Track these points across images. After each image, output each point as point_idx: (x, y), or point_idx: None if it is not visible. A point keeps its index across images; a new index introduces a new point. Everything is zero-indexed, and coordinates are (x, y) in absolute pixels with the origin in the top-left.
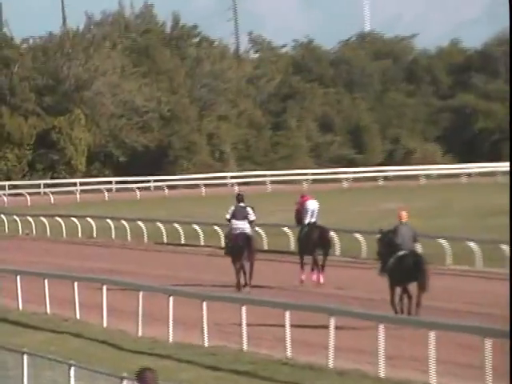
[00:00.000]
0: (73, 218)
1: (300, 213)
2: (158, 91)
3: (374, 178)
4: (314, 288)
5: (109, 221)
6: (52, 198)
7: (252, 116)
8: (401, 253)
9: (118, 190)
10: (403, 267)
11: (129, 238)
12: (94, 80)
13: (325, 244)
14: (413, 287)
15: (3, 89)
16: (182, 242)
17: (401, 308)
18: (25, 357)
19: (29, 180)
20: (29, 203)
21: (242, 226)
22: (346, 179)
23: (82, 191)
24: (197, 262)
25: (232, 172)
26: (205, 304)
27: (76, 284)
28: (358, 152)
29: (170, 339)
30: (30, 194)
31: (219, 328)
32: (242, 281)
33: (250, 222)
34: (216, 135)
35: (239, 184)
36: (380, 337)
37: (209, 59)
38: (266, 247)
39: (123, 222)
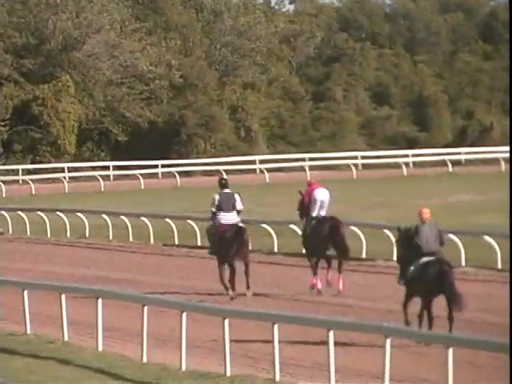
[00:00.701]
0: (59, 213)
1: (305, 204)
2: (168, 52)
3: (442, 163)
4: (356, 301)
5: (105, 216)
6: (33, 188)
7: (287, 84)
8: (424, 259)
9: (116, 177)
10: (426, 278)
11: (130, 238)
12: (86, 38)
13: (339, 240)
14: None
15: None
16: (199, 243)
17: (419, 324)
18: None
19: (3, 164)
20: (3, 194)
21: (232, 217)
22: (406, 164)
23: (71, 179)
24: (216, 269)
25: (262, 155)
26: (227, 322)
27: (64, 296)
28: (421, 129)
29: (183, 366)
30: (4, 182)
31: (244, 352)
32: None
33: (238, 213)
34: (241, 108)
35: (270, 170)
36: (449, 363)
37: (231, 12)
38: (303, 250)
39: (123, 217)
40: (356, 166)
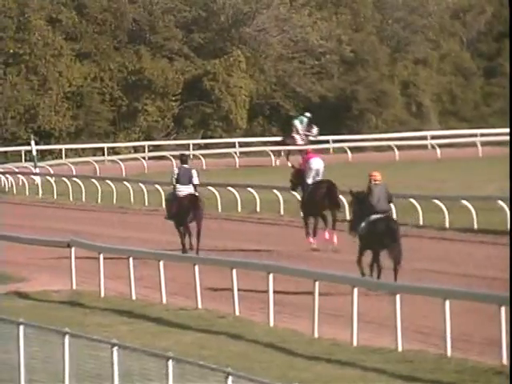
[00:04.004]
0: (230, 188)
1: (300, 173)
2: (339, 27)
3: None
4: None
5: (276, 191)
6: (204, 162)
7: (458, 59)
8: (374, 217)
9: (287, 152)
10: (375, 232)
11: (301, 213)
12: (256, 13)
13: (333, 201)
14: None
15: (142, 24)
16: None
17: (370, 274)
18: (170, 363)
19: (174, 140)
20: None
21: (188, 190)
22: None
23: (242, 154)
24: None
25: (433, 130)
26: (398, 297)
27: (234, 271)
28: None
29: (354, 342)
30: (175, 157)
31: (416, 328)
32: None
33: (194, 187)
34: (413, 83)
35: (442, 146)
36: None
37: None
38: (475, 225)
39: (294, 193)
40: None
